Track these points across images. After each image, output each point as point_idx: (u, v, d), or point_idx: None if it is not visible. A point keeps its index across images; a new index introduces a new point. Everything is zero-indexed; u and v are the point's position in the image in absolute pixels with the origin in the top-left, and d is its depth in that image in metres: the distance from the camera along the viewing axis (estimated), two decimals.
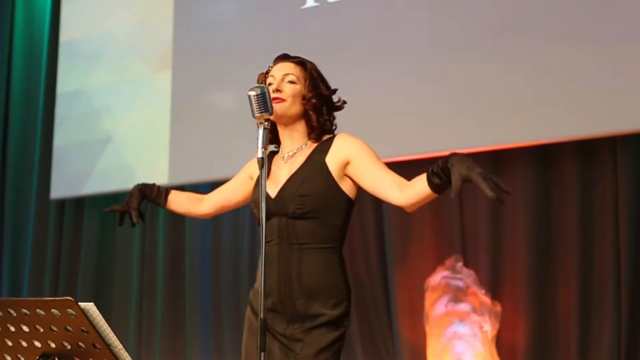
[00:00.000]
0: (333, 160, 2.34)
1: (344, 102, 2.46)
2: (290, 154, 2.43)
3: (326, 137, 2.43)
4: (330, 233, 2.32)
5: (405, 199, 2.22)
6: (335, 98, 2.47)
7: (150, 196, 2.70)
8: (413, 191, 2.20)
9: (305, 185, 2.31)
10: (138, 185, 2.70)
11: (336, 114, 2.48)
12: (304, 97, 2.39)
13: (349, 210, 2.36)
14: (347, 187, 2.35)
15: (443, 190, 2.14)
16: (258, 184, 2.40)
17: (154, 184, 2.72)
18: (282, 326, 2.31)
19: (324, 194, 2.31)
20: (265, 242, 2.19)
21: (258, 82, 2.42)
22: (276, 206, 2.32)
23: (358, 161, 2.32)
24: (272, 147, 2.50)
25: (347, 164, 2.34)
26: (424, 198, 2.19)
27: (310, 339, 2.28)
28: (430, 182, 2.15)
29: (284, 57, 2.47)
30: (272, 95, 2.33)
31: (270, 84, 2.40)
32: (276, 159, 2.47)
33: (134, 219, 2.62)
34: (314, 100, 2.39)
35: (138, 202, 2.65)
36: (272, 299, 2.30)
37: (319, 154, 2.37)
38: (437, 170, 2.12)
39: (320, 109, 2.41)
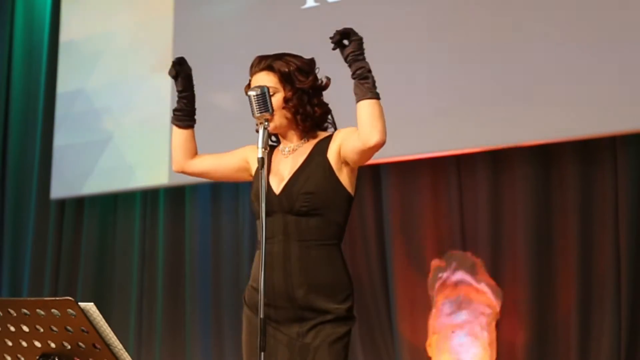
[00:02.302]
0: (332, 152, 2.37)
1: (328, 79, 2.46)
2: (289, 150, 2.44)
3: (324, 134, 2.45)
4: (333, 230, 2.35)
5: (360, 134, 2.27)
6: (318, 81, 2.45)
7: (182, 105, 2.60)
8: (359, 121, 2.26)
9: (309, 182, 2.33)
10: (190, 89, 2.58)
11: (337, 115, 2.49)
12: (285, 102, 2.39)
13: (349, 206, 2.39)
14: (345, 180, 2.37)
15: (366, 90, 2.25)
16: (257, 178, 2.40)
17: (194, 109, 2.64)
18: (287, 325, 2.32)
19: (327, 191, 2.34)
20: (267, 240, 2.22)
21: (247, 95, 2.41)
22: (280, 203, 2.33)
23: (343, 138, 2.37)
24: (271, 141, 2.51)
25: (340, 147, 2.37)
26: (368, 114, 2.24)
27: (322, 334, 2.29)
28: (357, 99, 2.26)
29: (256, 68, 2.44)
30: None
31: None
32: (276, 153, 2.48)
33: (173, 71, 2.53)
34: (295, 101, 2.39)
35: (181, 73, 2.54)
36: (276, 297, 2.31)
37: (320, 151, 2.39)
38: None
39: (304, 105, 2.41)
